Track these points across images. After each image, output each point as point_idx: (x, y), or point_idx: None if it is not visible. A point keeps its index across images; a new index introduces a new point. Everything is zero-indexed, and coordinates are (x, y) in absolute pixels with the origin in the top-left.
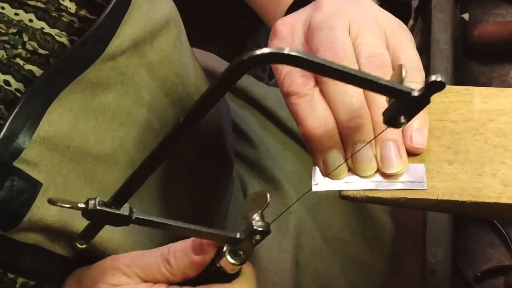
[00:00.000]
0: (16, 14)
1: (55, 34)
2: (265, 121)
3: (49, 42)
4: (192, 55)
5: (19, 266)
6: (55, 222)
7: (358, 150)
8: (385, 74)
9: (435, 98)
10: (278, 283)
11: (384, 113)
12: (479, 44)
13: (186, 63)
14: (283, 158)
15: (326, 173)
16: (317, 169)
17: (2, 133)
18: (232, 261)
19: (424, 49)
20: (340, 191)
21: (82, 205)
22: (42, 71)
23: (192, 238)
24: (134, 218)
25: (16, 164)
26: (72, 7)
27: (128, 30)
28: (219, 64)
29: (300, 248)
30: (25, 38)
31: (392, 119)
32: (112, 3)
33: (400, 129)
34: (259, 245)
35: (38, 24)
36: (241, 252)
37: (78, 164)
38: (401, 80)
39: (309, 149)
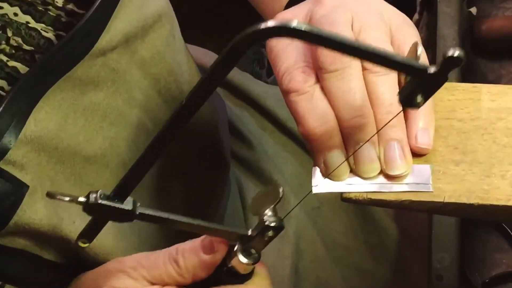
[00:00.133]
0: (0, 7)
1: (41, 29)
2: (264, 121)
3: (35, 38)
4: (186, 52)
5: (6, 272)
6: (43, 226)
7: (359, 149)
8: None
9: (442, 96)
10: None
11: (400, 92)
12: (487, 40)
13: (180, 60)
14: (282, 160)
15: (327, 174)
16: (318, 170)
17: None
18: (244, 260)
19: (430, 45)
20: (341, 193)
21: (82, 199)
22: (27, 68)
23: (201, 237)
24: (138, 213)
25: (1, 165)
26: (59, 1)
27: (119, 25)
28: None
29: (299, 255)
30: (9, 33)
31: (408, 98)
32: None
33: (404, 128)
34: None
35: (23, 18)
36: (253, 251)
37: (66, 166)
38: (416, 57)
39: (309, 149)
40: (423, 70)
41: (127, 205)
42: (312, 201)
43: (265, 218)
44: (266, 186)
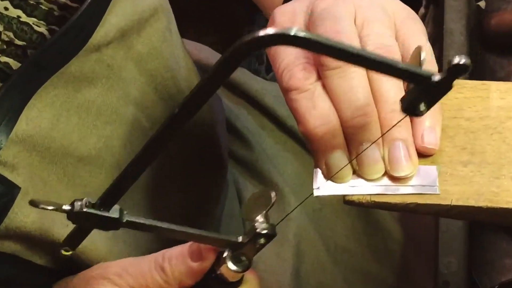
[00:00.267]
0: None
1: (33, 23)
2: (263, 119)
3: (27, 32)
4: (183, 47)
5: None
6: (34, 229)
7: (362, 150)
8: None
9: (449, 93)
10: None
11: (402, 100)
12: (496, 35)
13: (176, 55)
14: (282, 160)
15: (329, 176)
16: (319, 171)
17: None
18: (233, 267)
19: (437, 40)
20: (344, 195)
21: (67, 207)
22: (19, 64)
23: (189, 243)
24: (125, 221)
25: None
26: None
27: (114, 19)
28: (212, 57)
29: (300, 258)
30: (0, 28)
31: (410, 106)
32: None
33: (410, 128)
34: (255, 255)
35: (14, 12)
36: (243, 258)
37: (59, 166)
38: (419, 63)
39: (310, 149)
40: (427, 77)
41: (114, 213)
42: (313, 203)
43: (257, 224)
44: (259, 190)
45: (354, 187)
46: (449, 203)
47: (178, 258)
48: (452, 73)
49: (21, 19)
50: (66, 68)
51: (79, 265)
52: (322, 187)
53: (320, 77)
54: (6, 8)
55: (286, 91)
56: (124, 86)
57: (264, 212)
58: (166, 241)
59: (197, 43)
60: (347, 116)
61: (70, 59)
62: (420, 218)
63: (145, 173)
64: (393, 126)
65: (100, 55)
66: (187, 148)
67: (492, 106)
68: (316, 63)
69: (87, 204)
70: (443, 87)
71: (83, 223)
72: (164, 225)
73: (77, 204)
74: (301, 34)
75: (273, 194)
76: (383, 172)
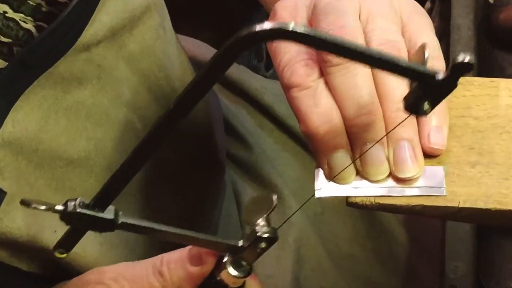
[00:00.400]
0: None
1: (20, 19)
2: (262, 118)
3: (13, 29)
4: (177, 44)
5: None
6: (21, 235)
7: (366, 150)
8: None
9: (456, 91)
10: None
11: (405, 99)
12: (505, 30)
13: (170, 53)
14: (282, 161)
15: (331, 177)
16: (321, 172)
17: None
18: (234, 273)
19: (443, 36)
20: (347, 197)
21: (60, 207)
22: (5, 63)
23: (188, 247)
24: (120, 222)
25: None
26: None
27: (105, 17)
28: (209, 53)
29: (301, 264)
30: None
31: (414, 105)
32: None
33: (416, 127)
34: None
35: (0, 7)
36: (244, 263)
37: (47, 170)
38: (423, 61)
39: (312, 149)
40: (431, 76)
41: (108, 214)
42: (314, 205)
43: (257, 228)
44: (260, 193)
45: (358, 189)
46: (456, 205)
47: (177, 263)
48: (456, 71)
49: (7, 15)
50: (54, 68)
51: (69, 272)
52: (324, 188)
53: (322, 73)
54: None
55: (287, 88)
56: (116, 86)
57: (265, 215)
58: (160, 247)
59: (193, 39)
60: (351, 115)
61: (58, 58)
62: (426, 221)
63: (139, 174)
64: (398, 125)
65: (90, 55)
66: (183, 148)
67: (501, 105)
68: (318, 59)
69: (81, 204)
70: (448, 86)
71: (77, 224)
72: (161, 227)
73: (71, 204)
74: (299, 29)
75: (274, 197)
76: (387, 173)
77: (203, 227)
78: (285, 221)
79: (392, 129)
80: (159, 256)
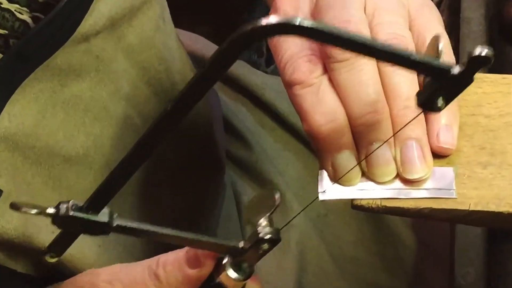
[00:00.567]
0: None
1: (15, 10)
2: (262, 116)
3: (8, 20)
4: (176, 37)
5: None
6: (17, 236)
7: (372, 150)
8: None
9: (467, 88)
10: None
11: (419, 95)
12: None
13: (170, 46)
14: (284, 161)
15: (336, 178)
16: (325, 173)
17: None
18: (234, 275)
19: (453, 30)
20: (352, 199)
21: (51, 211)
22: (1, 55)
23: (186, 248)
24: (115, 225)
25: None
26: None
27: (104, 7)
28: (208, 49)
29: (303, 269)
30: None
31: (428, 101)
32: None
33: (424, 126)
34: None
35: None
36: (244, 265)
37: (44, 167)
38: (437, 54)
39: (315, 149)
40: (446, 70)
41: (103, 217)
42: (318, 207)
43: (259, 229)
44: (262, 191)
45: (363, 191)
46: (467, 208)
47: (174, 265)
48: (472, 65)
49: (2, 6)
50: (51, 60)
51: (65, 273)
52: (328, 190)
53: (326, 70)
54: None
55: (289, 85)
56: (115, 79)
57: (267, 215)
58: (161, 248)
59: (191, 33)
60: (356, 113)
61: (56, 50)
62: (435, 224)
63: (136, 174)
64: (406, 124)
65: (89, 46)
66: (181, 148)
67: None
68: (322, 55)
69: (74, 207)
70: (463, 81)
71: (69, 227)
72: (158, 229)
73: (63, 207)
74: (307, 23)
75: (277, 195)
76: (394, 174)
77: (203, 228)
78: (286, 224)
79: (401, 129)
80: (155, 257)
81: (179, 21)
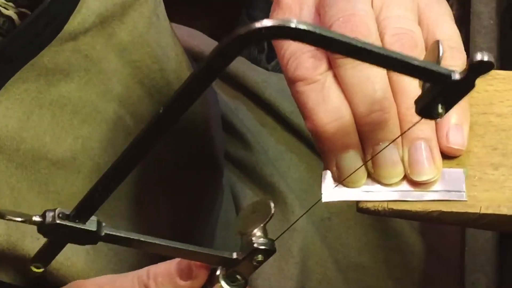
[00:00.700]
0: None
1: (0, 5)
2: (263, 115)
3: None
4: (172, 34)
5: None
6: (1, 243)
7: (379, 151)
8: (416, 56)
9: (477, 86)
10: None
11: (417, 101)
12: None
13: (165, 44)
14: (285, 163)
15: (340, 180)
16: (329, 174)
17: None
18: (227, 287)
19: (463, 25)
20: (357, 202)
21: (37, 219)
22: None
23: (177, 259)
24: (103, 234)
25: None
26: None
27: (93, 3)
28: (207, 44)
29: (306, 276)
30: None
31: (427, 108)
32: None
33: (433, 125)
34: (255, 272)
35: None
36: (238, 277)
37: (30, 171)
38: (437, 60)
39: (318, 149)
40: (446, 76)
41: (91, 225)
42: (321, 211)
43: (254, 239)
44: (255, 201)
45: (369, 193)
46: (477, 211)
47: (164, 276)
48: (474, 71)
49: None
50: (37, 59)
51: (53, 283)
52: (332, 192)
53: (331, 66)
54: None
55: (292, 82)
56: (105, 79)
57: (262, 225)
58: (155, 254)
59: (188, 28)
60: (362, 112)
61: (42, 48)
62: (444, 228)
63: (128, 178)
64: (414, 124)
65: (77, 45)
66: (177, 149)
67: None
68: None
69: (61, 215)
70: (465, 87)
71: (56, 236)
72: (148, 239)
73: (49, 215)
74: (303, 26)
75: (272, 204)
76: (402, 175)
77: (199, 234)
78: (287, 228)
79: (409, 128)
80: (145, 268)
81: (176, 16)
